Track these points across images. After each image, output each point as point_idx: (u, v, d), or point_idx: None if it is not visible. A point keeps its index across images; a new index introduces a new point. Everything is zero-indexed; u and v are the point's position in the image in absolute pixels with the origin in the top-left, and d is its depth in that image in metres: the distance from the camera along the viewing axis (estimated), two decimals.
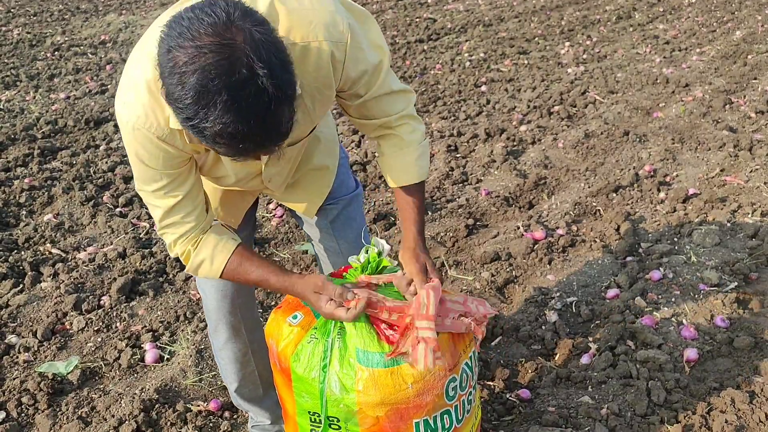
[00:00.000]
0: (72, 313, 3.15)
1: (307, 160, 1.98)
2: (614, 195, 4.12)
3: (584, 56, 7.24)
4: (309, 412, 1.72)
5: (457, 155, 4.83)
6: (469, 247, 3.66)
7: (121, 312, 3.17)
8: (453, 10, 9.55)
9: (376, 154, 1.91)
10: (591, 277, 3.31)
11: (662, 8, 9.34)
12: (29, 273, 3.44)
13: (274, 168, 1.79)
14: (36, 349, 2.93)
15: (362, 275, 1.77)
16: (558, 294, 3.17)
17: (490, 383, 2.64)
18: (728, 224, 3.65)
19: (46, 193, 4.33)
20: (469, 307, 1.74)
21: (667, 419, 2.33)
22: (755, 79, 6.16)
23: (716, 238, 3.47)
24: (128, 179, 4.57)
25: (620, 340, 2.77)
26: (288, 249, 3.71)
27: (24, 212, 4.16)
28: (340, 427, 1.68)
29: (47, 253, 3.70)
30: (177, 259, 3.55)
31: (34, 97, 6.22)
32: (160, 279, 3.44)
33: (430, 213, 4.01)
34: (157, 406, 2.57)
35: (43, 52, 7.73)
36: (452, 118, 5.56)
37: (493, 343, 2.88)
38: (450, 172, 4.53)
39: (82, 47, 7.97)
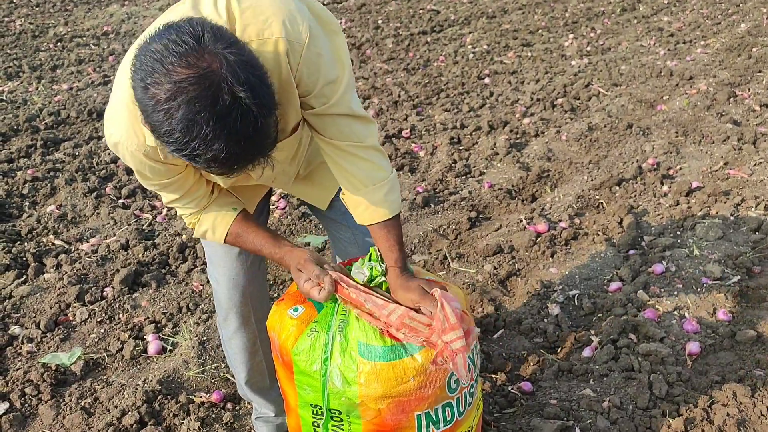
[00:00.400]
0: (75, 305, 3.15)
1: (318, 154, 1.98)
2: (617, 188, 4.11)
3: (588, 48, 7.21)
4: (311, 405, 1.72)
5: (460, 147, 4.83)
6: (471, 240, 3.66)
7: (124, 303, 3.17)
8: (456, 2, 9.51)
9: (342, 191, 1.86)
10: (593, 270, 3.31)
11: (667, 0, 9.29)
12: (32, 264, 3.45)
13: (266, 170, 1.78)
14: (39, 340, 2.94)
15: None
16: (560, 287, 3.17)
17: (493, 376, 2.64)
18: (731, 218, 3.65)
19: (49, 184, 4.34)
20: (433, 341, 1.64)
21: (668, 412, 2.34)
22: (760, 72, 6.13)
23: (719, 232, 3.47)
24: (131, 171, 4.57)
25: (622, 333, 2.77)
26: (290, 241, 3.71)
27: (27, 203, 4.16)
28: (342, 420, 1.69)
29: (50, 244, 3.70)
30: (180, 251, 3.56)
31: (37, 88, 6.22)
32: (163, 270, 3.44)
33: (433, 205, 4.00)
34: (159, 397, 2.58)
35: (45, 43, 7.72)
36: (455, 110, 5.55)
37: (495, 336, 2.88)
38: (453, 165, 4.52)
39: (84, 38, 7.96)
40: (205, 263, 3.45)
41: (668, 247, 3.40)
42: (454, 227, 3.74)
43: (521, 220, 3.75)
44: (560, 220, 3.74)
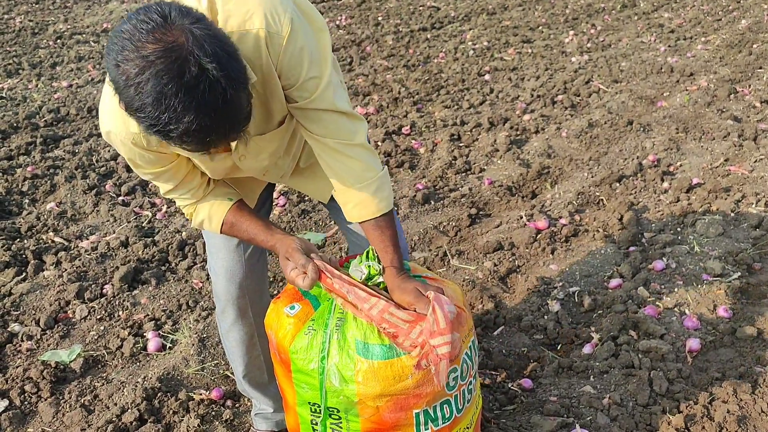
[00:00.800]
0: (75, 302, 3.15)
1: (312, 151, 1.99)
2: (617, 185, 4.10)
3: (588, 45, 7.20)
4: (309, 403, 1.72)
5: (460, 144, 4.82)
6: (471, 237, 3.65)
7: (124, 301, 3.17)
8: None
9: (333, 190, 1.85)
10: (594, 267, 3.30)
11: None
12: (32, 261, 3.45)
13: (252, 161, 1.79)
14: (39, 337, 2.94)
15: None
16: (560, 284, 3.17)
17: (493, 372, 2.64)
18: (732, 214, 3.64)
19: (49, 181, 4.34)
20: (411, 339, 1.63)
21: (669, 409, 2.33)
22: (760, 68, 6.12)
23: (720, 228, 3.46)
24: (130, 168, 4.57)
25: (622, 330, 2.77)
26: None
27: (27, 201, 4.16)
28: (340, 418, 1.69)
29: (50, 241, 3.70)
30: (179, 248, 3.56)
31: (37, 86, 6.21)
32: (163, 268, 3.44)
33: (433, 202, 4.00)
34: (159, 394, 2.58)
35: (45, 40, 7.71)
36: (455, 107, 5.54)
37: (495, 333, 2.88)
38: (453, 161, 4.52)
39: (84, 35, 7.95)
40: (204, 260, 3.45)
41: (668, 244, 3.40)
42: (454, 224, 3.73)
43: (521, 217, 3.74)
44: (560, 217, 3.73)
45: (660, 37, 7.37)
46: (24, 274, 3.39)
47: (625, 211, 3.71)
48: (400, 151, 4.68)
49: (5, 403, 2.56)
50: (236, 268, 2.05)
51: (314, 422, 1.74)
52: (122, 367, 2.78)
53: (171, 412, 2.51)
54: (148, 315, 3.07)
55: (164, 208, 4.03)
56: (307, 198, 4.06)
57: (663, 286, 3.07)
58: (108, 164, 4.60)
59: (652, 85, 5.82)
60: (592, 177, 4.23)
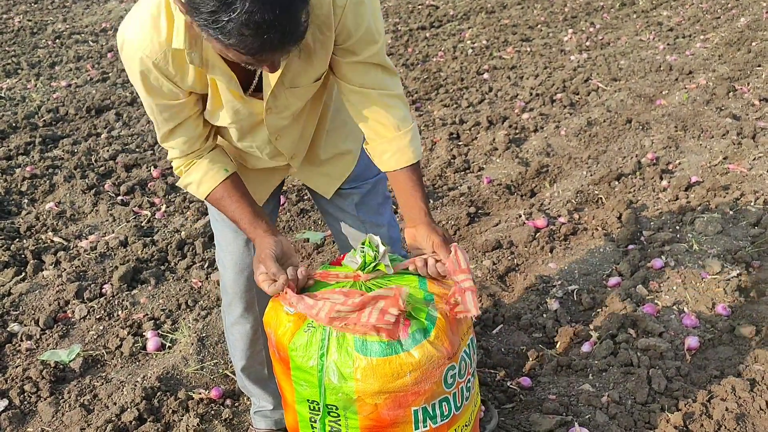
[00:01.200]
0: (74, 302, 3.15)
1: (335, 144, 2.04)
2: (616, 183, 4.11)
3: (587, 43, 7.20)
4: (308, 401, 1.72)
5: (459, 143, 4.82)
6: (470, 235, 3.66)
7: (123, 300, 3.17)
8: None
9: (365, 140, 1.90)
10: (592, 266, 3.31)
11: None
12: (31, 261, 3.45)
13: (275, 118, 1.79)
14: (38, 337, 2.94)
15: (361, 273, 1.77)
16: (559, 282, 3.17)
17: (491, 371, 2.64)
18: (731, 212, 3.64)
19: (48, 181, 4.34)
20: (362, 321, 1.63)
21: (667, 407, 2.34)
22: (759, 66, 6.12)
23: (718, 226, 3.46)
24: (129, 167, 4.57)
25: (621, 329, 2.77)
26: (289, 237, 3.70)
27: (26, 200, 4.16)
28: (338, 415, 1.69)
29: (49, 241, 3.70)
30: (179, 248, 3.56)
31: (36, 85, 6.21)
32: (162, 267, 3.44)
33: (431, 201, 4.00)
34: (158, 393, 2.58)
35: (44, 40, 7.71)
36: (454, 105, 5.55)
37: (494, 331, 2.88)
38: (452, 160, 4.52)
39: (83, 35, 7.95)
40: (203, 260, 3.45)
41: (667, 242, 3.40)
42: (453, 223, 3.74)
43: (520, 216, 3.75)
44: (559, 215, 3.74)
45: (659, 35, 7.37)
46: (23, 273, 3.39)
47: (623, 210, 3.71)
48: None
49: (5, 402, 2.57)
50: (246, 262, 2.05)
51: (313, 420, 1.74)
52: (121, 367, 2.78)
53: (170, 411, 2.51)
54: (147, 314, 3.07)
55: (163, 208, 4.03)
56: (306, 197, 4.06)
57: (662, 284, 3.07)
58: (107, 164, 4.61)
59: (651, 83, 5.82)
60: (591, 175, 4.24)
